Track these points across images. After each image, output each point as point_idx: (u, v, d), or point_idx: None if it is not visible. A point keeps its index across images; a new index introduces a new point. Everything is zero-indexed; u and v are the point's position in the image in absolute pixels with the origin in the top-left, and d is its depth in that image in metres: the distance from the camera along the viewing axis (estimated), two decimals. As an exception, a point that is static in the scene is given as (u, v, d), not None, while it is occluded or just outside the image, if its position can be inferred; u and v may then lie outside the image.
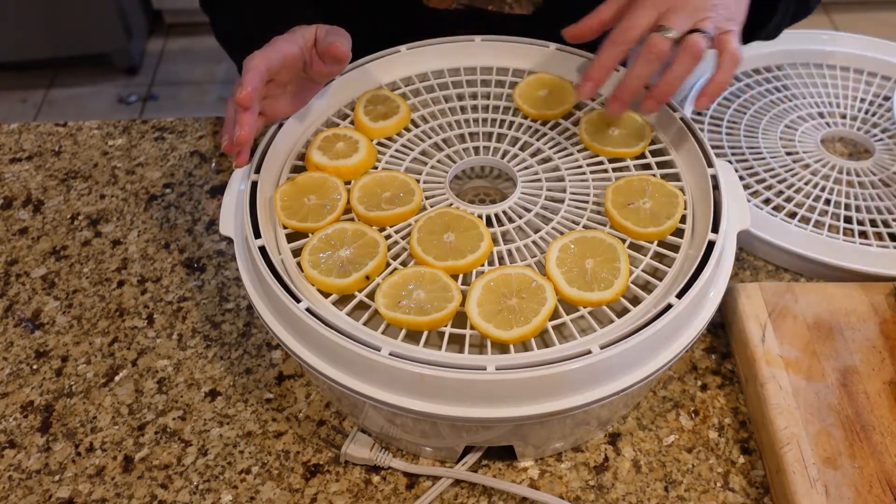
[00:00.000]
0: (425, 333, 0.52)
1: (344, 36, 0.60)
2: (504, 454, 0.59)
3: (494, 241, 0.58)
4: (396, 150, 0.64)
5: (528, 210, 0.60)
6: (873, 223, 0.74)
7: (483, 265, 0.56)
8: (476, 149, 0.65)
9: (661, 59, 0.56)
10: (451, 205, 0.60)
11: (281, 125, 0.63)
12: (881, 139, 0.82)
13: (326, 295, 0.55)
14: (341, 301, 0.55)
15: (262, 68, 0.56)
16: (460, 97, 0.69)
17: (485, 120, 0.67)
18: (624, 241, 0.57)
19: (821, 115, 0.85)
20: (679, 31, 0.55)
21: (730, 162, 0.78)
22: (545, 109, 0.66)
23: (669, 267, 0.56)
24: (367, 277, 0.54)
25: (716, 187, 0.58)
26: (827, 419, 0.58)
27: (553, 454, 0.60)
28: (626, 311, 0.54)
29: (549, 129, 0.66)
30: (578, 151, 0.64)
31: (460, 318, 0.53)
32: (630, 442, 0.61)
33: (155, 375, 0.65)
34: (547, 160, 0.64)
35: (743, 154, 0.80)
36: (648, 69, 0.56)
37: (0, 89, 2.18)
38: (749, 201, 0.74)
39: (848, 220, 0.74)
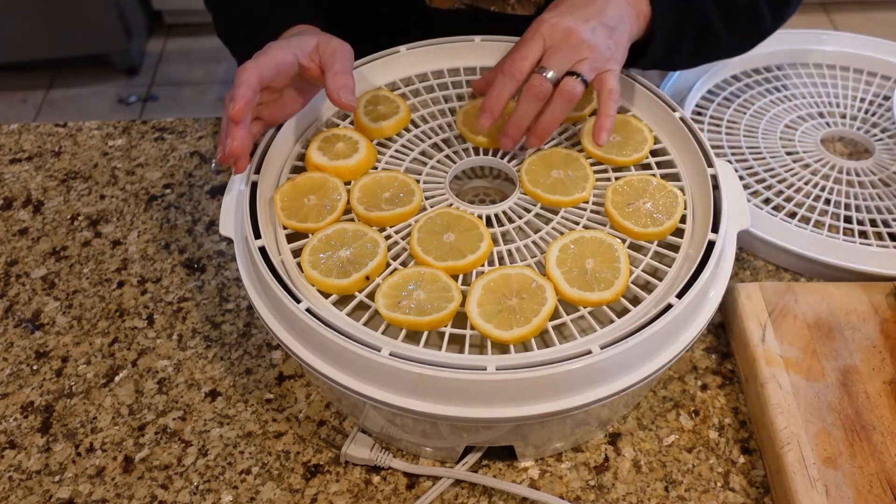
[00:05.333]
0: (425, 334, 0.52)
1: (347, 52, 0.60)
2: (504, 454, 0.59)
3: (494, 241, 0.58)
4: (396, 151, 0.64)
5: (528, 210, 0.60)
6: (873, 223, 0.74)
7: (483, 265, 0.56)
8: (476, 149, 0.65)
9: (542, 98, 0.59)
10: (451, 205, 0.60)
11: (281, 126, 0.63)
12: (881, 139, 0.82)
13: (326, 295, 0.55)
14: (341, 301, 0.55)
15: (254, 81, 0.56)
16: (460, 97, 0.69)
17: (485, 120, 0.67)
18: (624, 241, 0.57)
19: (821, 115, 0.85)
20: (557, 72, 0.59)
21: (730, 162, 0.78)
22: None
23: (669, 267, 0.56)
24: (367, 278, 0.54)
25: (716, 187, 0.58)
26: (827, 419, 0.58)
27: (553, 454, 0.60)
28: (626, 311, 0.54)
29: (549, 130, 0.66)
30: (578, 151, 0.64)
31: (460, 319, 0.53)
32: (630, 442, 0.61)
33: (155, 376, 0.65)
34: (547, 160, 0.64)
35: (743, 154, 0.80)
36: (532, 108, 0.60)
37: (0, 89, 2.18)
38: (749, 201, 0.74)
39: (848, 219, 0.74)
